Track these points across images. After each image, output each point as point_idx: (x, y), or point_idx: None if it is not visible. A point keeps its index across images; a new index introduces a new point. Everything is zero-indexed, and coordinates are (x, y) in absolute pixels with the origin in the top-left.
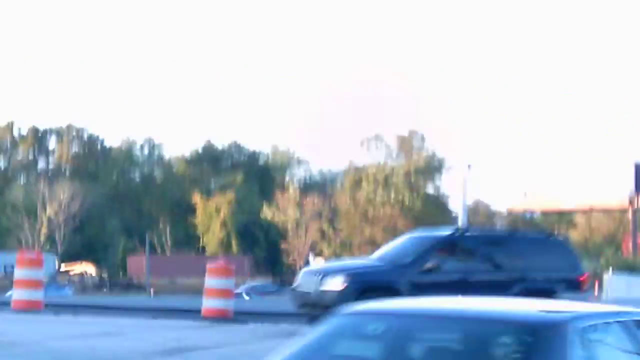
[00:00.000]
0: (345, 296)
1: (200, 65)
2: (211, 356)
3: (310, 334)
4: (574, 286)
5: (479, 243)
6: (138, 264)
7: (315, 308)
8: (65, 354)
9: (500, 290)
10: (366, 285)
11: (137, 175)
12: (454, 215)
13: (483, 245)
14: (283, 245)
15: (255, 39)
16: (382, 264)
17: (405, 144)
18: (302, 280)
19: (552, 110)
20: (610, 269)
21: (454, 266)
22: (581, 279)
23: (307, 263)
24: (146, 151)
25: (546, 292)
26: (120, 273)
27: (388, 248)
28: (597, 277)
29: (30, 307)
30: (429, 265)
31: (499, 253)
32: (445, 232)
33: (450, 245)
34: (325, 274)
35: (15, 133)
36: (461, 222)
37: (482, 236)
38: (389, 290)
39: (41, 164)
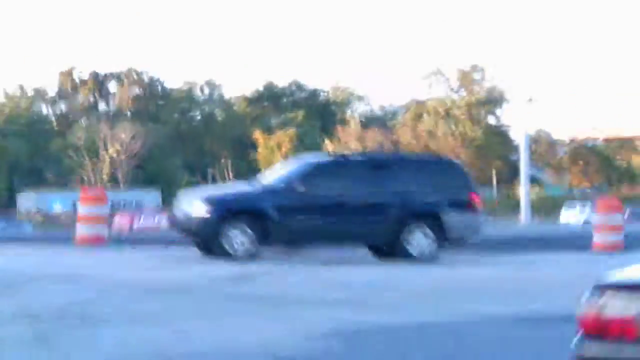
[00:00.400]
0: (208, 222)
1: (258, 3)
2: (278, 282)
3: None
4: (462, 207)
5: (360, 167)
6: None
7: (185, 232)
8: (136, 284)
9: (377, 214)
10: (228, 211)
11: (198, 115)
12: (515, 144)
13: (364, 169)
14: None
15: None
16: (255, 189)
17: (466, 77)
18: (179, 203)
19: (612, 40)
20: None
21: (329, 190)
22: (471, 199)
23: None
24: (207, 92)
25: (428, 214)
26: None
27: (275, 172)
28: None
29: (94, 242)
30: (301, 189)
31: (381, 176)
32: (326, 156)
33: (328, 169)
34: (193, 199)
35: (76, 77)
36: (523, 151)
37: (364, 160)
38: (254, 215)
39: (102, 107)
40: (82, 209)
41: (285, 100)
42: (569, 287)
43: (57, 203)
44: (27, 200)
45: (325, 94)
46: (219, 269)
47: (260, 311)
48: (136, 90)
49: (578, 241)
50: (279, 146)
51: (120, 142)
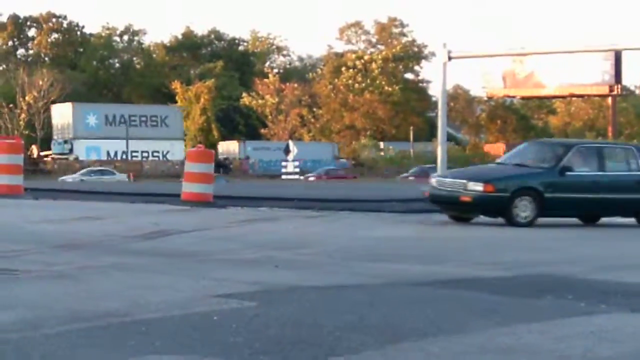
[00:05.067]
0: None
1: None
2: (191, 239)
3: None
4: None
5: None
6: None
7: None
8: (44, 237)
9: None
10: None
11: (116, 63)
12: (433, 100)
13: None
14: (263, 131)
15: None
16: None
17: (385, 31)
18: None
19: None
20: None
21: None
22: None
23: (287, 148)
24: (126, 38)
25: None
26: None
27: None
28: None
29: (10, 192)
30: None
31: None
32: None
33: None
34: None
35: None
36: (441, 108)
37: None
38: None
39: (21, 52)
40: None
41: (204, 50)
42: (483, 249)
43: None
44: None
45: (245, 44)
46: (137, 224)
47: (173, 268)
48: (55, 36)
49: None
50: (198, 97)
51: (38, 89)
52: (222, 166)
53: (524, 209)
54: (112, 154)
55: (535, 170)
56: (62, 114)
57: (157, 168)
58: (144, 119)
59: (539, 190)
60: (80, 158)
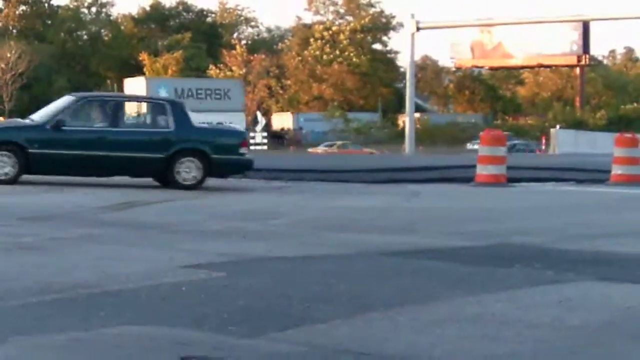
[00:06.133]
0: None
1: None
2: (159, 210)
3: None
4: None
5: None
6: None
7: None
8: (11, 208)
9: None
10: None
11: (84, 35)
12: (402, 71)
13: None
14: None
15: None
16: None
17: (353, 2)
18: None
19: None
20: (558, 125)
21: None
22: None
23: (255, 120)
24: (94, 10)
25: None
26: None
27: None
28: (545, 132)
29: None
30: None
31: None
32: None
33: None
34: None
35: None
36: (409, 79)
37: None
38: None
39: None
40: None
41: (172, 22)
42: (449, 219)
43: None
44: None
45: (213, 15)
46: (106, 195)
47: (142, 240)
48: (23, 8)
49: (463, 172)
50: (166, 68)
51: (5, 61)
52: (279, 137)
53: (2, 165)
54: None
55: (26, 123)
56: (135, 87)
57: None
58: (209, 92)
59: (23, 145)
60: None
